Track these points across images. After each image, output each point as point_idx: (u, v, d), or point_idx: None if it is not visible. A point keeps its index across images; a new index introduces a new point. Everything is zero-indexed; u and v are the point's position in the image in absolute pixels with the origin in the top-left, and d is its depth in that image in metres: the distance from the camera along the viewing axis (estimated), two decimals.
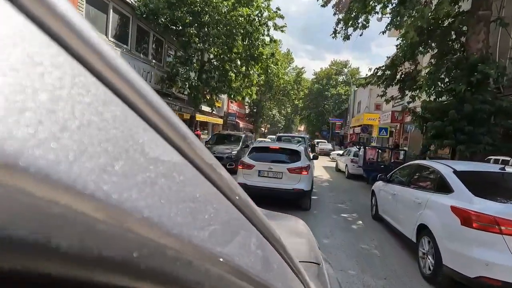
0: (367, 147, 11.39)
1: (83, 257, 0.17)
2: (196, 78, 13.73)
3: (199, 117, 17.34)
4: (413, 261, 4.25)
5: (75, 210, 0.17)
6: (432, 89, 8.07)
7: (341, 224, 5.96)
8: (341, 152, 18.09)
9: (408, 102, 9.83)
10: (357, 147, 13.07)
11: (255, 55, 14.06)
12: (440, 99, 8.14)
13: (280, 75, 22.82)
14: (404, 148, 13.84)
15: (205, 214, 0.29)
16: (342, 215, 6.68)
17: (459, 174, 3.66)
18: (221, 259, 0.30)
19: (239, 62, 14.69)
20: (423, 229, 3.82)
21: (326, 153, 24.60)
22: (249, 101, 30.06)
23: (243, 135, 13.07)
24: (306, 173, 6.42)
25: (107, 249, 0.19)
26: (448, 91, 7.74)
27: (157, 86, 13.26)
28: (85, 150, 0.18)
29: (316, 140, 31.88)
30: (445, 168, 3.95)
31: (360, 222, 6.22)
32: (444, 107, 7.72)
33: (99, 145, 0.19)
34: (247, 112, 35.81)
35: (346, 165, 13.49)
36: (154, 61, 13.35)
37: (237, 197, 0.40)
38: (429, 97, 8.37)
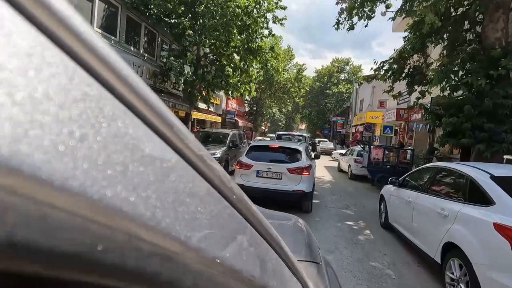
0: (372, 147, 10.64)
1: (52, 254, 0.16)
2: (191, 73, 12.94)
3: (196, 115, 16.56)
4: (435, 283, 3.53)
5: (40, 203, 0.15)
6: (444, 83, 7.30)
7: (346, 234, 5.22)
8: (343, 151, 17.36)
9: (418, 98, 9.05)
10: (362, 146, 12.32)
11: (253, 48, 13.29)
12: (455, 93, 7.37)
13: (280, 70, 21.98)
14: (410, 147, 13.08)
15: (191, 207, 0.27)
16: (347, 222, 5.94)
17: (499, 180, 2.89)
18: (207, 257, 0.28)
19: (237, 57, 13.90)
20: (452, 249, 3.07)
21: (328, 152, 24.13)
22: (249, 98, 29.36)
23: (231, 133, 11.37)
24: (307, 173, 5.91)
25: (67, 243, 0.17)
26: (464, 84, 6.98)
27: (149, 81, 12.51)
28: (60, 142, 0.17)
29: (317, 139, 31.27)
30: (478, 172, 3.18)
31: (368, 231, 5.48)
32: (459, 102, 6.99)
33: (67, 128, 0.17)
34: (246, 110, 34.98)
35: (349, 165, 12.77)
36: (146, 55, 12.59)
37: (230, 192, 0.37)
38: (443, 91, 7.59)
